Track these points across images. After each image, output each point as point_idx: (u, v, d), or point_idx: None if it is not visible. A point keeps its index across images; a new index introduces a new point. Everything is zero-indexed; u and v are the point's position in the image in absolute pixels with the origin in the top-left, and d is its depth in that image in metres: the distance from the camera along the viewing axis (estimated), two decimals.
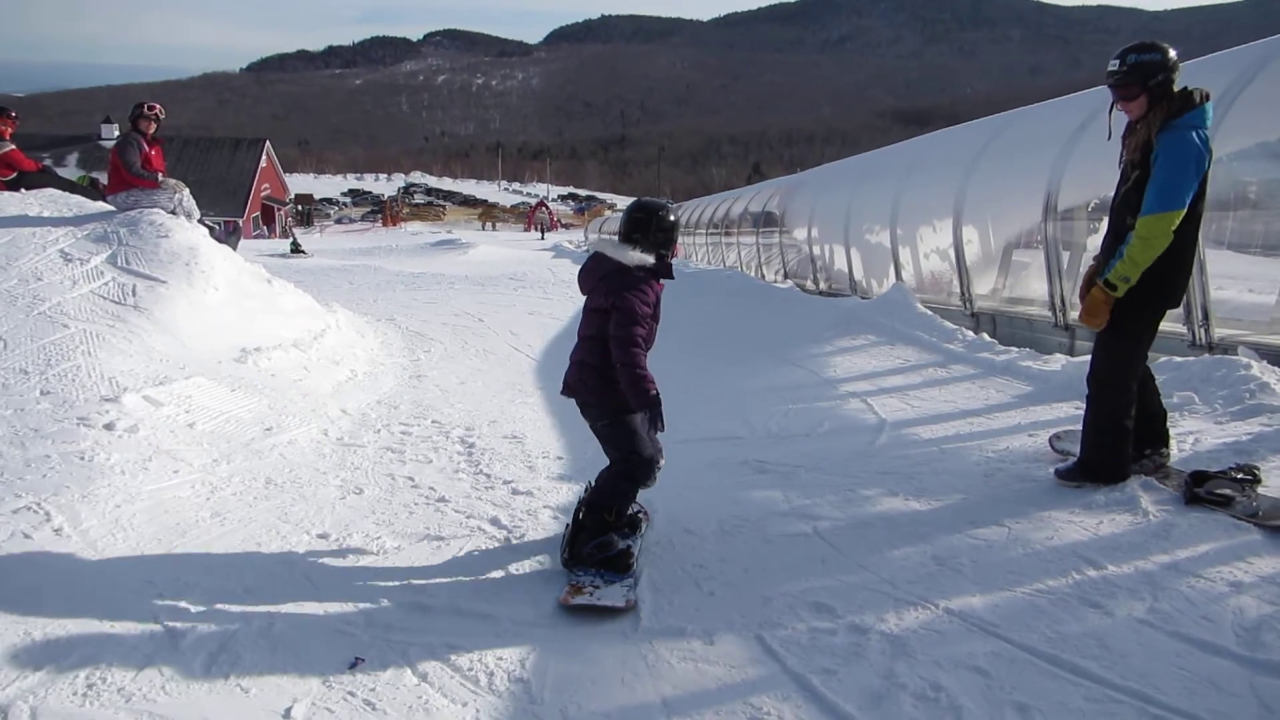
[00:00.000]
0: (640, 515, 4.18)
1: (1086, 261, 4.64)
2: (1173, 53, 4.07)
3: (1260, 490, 3.96)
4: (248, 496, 4.65)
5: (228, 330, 7.23)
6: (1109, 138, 4.33)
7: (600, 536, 3.78)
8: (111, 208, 8.80)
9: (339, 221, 79.04)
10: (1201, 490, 3.95)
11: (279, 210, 53.01)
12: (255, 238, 41.31)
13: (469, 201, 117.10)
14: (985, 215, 9.77)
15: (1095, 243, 4.54)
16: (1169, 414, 4.69)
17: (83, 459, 4.55)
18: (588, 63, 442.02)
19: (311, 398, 6.58)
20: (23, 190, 9.55)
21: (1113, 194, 4.30)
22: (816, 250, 15.37)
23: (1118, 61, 4.12)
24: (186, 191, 9.15)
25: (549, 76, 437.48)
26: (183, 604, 3.41)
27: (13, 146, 10.09)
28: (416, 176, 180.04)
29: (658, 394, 3.72)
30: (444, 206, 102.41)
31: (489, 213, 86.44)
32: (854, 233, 13.43)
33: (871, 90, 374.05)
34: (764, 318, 11.15)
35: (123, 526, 4.04)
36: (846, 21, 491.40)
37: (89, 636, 3.12)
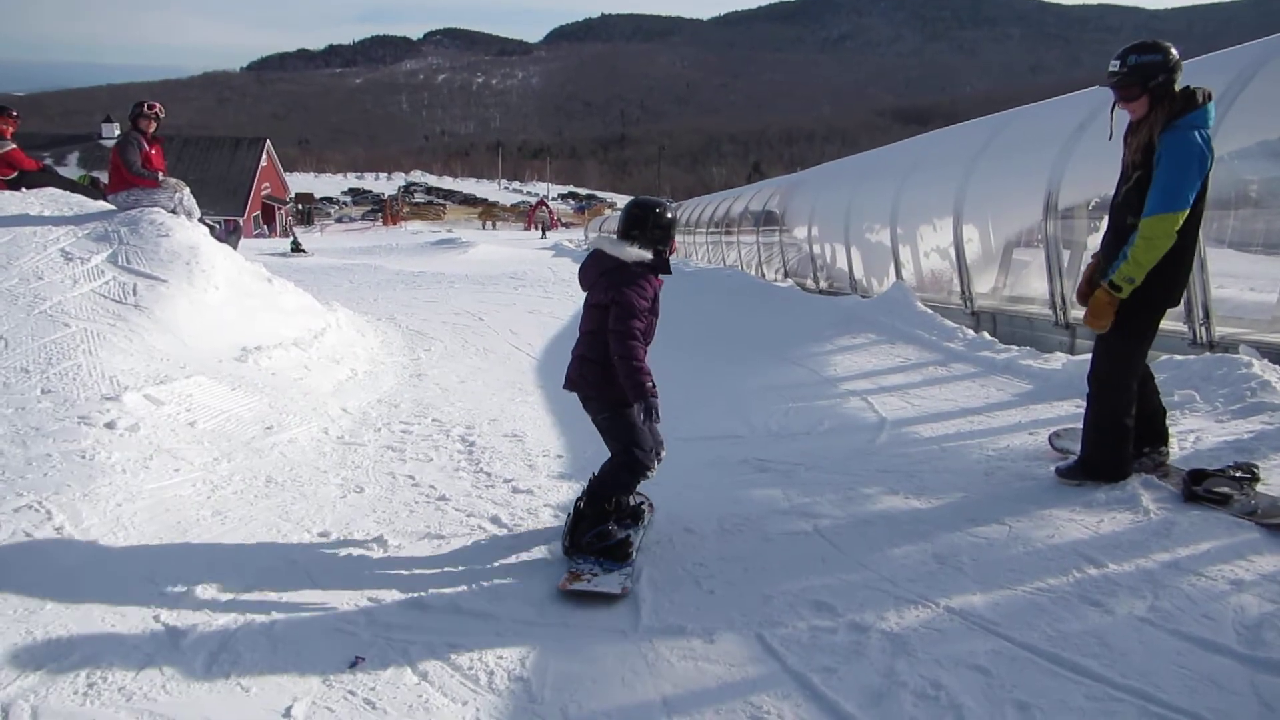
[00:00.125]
0: (644, 506, 4.26)
1: (1086, 260, 4.63)
2: (1174, 52, 4.05)
3: (1259, 488, 3.96)
4: (248, 495, 4.65)
5: (228, 329, 7.23)
6: (1110, 137, 4.33)
7: (599, 526, 3.89)
8: (112, 207, 8.80)
9: (339, 220, 78.97)
10: (1200, 489, 3.95)
11: (279, 209, 53.00)
12: (256, 237, 41.31)
13: (469, 200, 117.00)
14: (986, 214, 9.77)
15: (1096, 241, 4.53)
16: (1170, 412, 4.69)
17: (84, 457, 4.55)
18: (588, 62, 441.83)
19: (312, 396, 6.58)
20: (23, 189, 9.55)
21: (1113, 193, 4.30)
22: (817, 249, 15.37)
23: (1118, 62, 4.11)
24: (187, 190, 9.14)
25: (549, 75, 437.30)
26: (183, 603, 3.42)
27: (14, 146, 10.09)
28: (417, 175, 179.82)
29: (653, 386, 3.79)
30: (444, 205, 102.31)
31: (489, 212, 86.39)
32: (854, 231, 13.43)
33: (871, 89, 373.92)
34: (764, 316, 11.15)
35: (124, 525, 4.05)
36: (846, 20, 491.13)
37: (90, 635, 3.13)
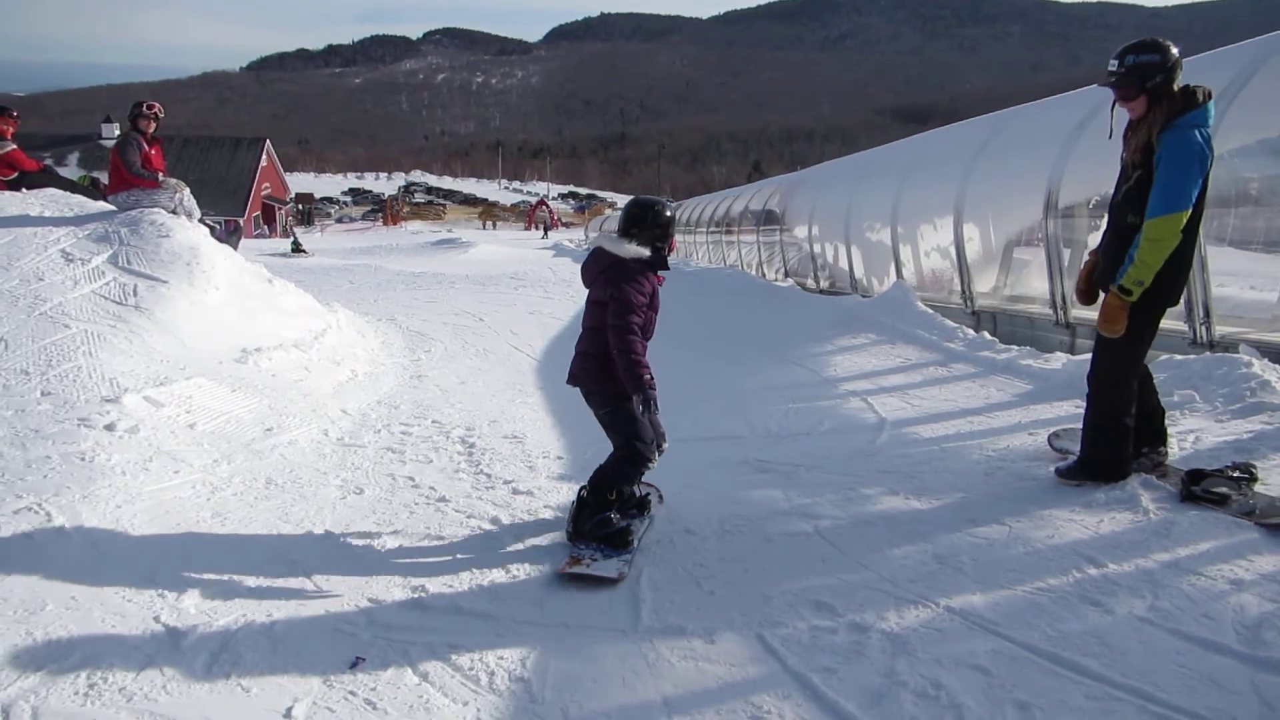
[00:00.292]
0: (650, 497, 4.41)
1: (1086, 258, 4.63)
2: (1174, 51, 4.05)
3: (1258, 488, 3.96)
4: (248, 497, 4.65)
5: (228, 330, 7.23)
6: (1110, 136, 4.32)
7: (601, 514, 4.02)
8: (112, 207, 8.80)
9: (339, 221, 78.97)
10: (1198, 489, 3.96)
11: (279, 209, 52.99)
12: (256, 237, 41.30)
13: (469, 200, 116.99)
14: (986, 213, 9.77)
15: (1096, 240, 4.53)
16: (1169, 412, 4.70)
17: (84, 460, 4.55)
18: (587, 61, 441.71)
19: (312, 398, 6.59)
20: (24, 190, 9.55)
21: (1113, 191, 4.30)
22: (817, 248, 15.36)
23: (1116, 62, 4.11)
24: (187, 191, 9.14)
25: (549, 75, 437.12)
26: (184, 604, 3.42)
27: (14, 146, 10.08)
28: (417, 175, 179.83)
29: (651, 379, 3.90)
30: (444, 205, 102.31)
31: (489, 211, 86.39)
32: (854, 231, 13.42)
33: (871, 87, 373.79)
34: (764, 316, 11.15)
35: (124, 527, 4.05)
36: (846, 19, 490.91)
37: (90, 636, 3.13)
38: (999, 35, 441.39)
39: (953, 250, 10.09)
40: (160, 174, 8.98)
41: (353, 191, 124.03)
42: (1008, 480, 4.65)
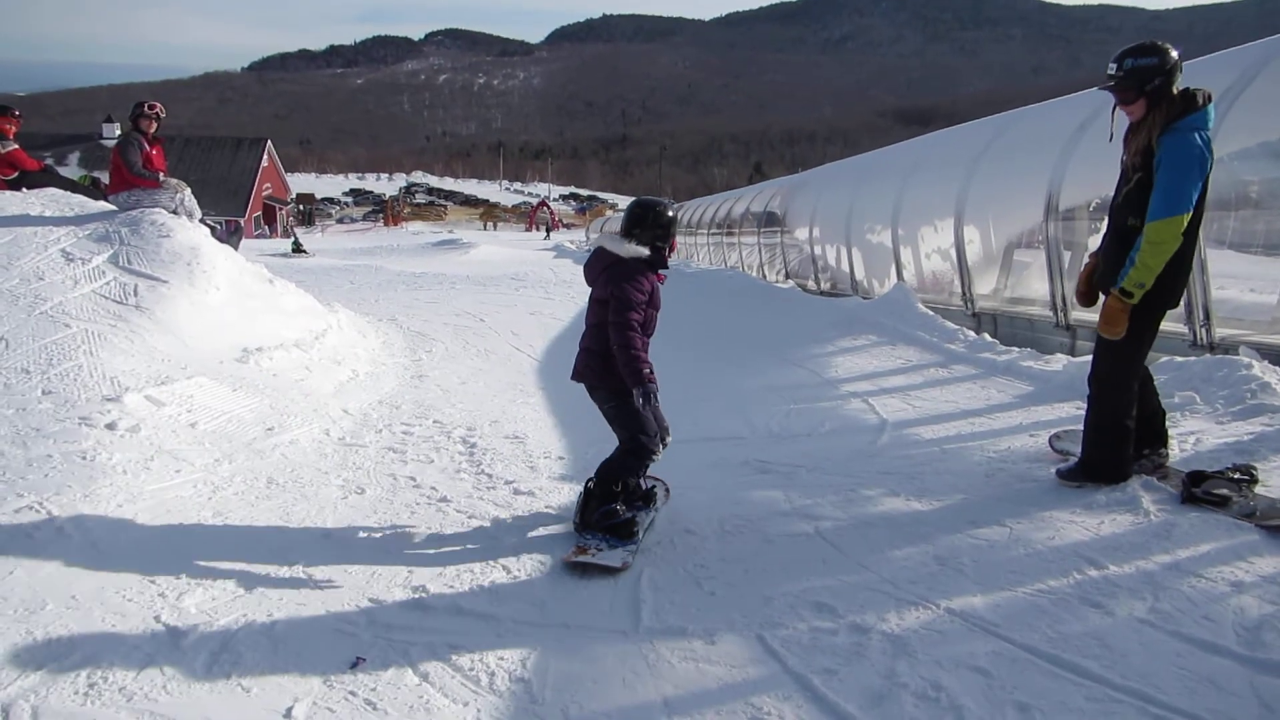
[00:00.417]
0: (656, 489, 4.49)
1: (1085, 261, 4.63)
2: (1173, 54, 4.05)
3: (1258, 490, 3.96)
4: (249, 496, 4.65)
5: (229, 330, 7.23)
6: (1110, 139, 4.33)
7: (607, 505, 4.15)
8: (113, 207, 8.80)
9: (340, 221, 78.99)
10: (1198, 490, 3.95)
11: (280, 210, 53.01)
12: (257, 237, 41.30)
13: (470, 201, 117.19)
14: (987, 215, 9.77)
15: (1096, 243, 4.53)
16: (1170, 414, 4.69)
17: (84, 459, 4.55)
18: (589, 62, 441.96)
19: (313, 398, 6.59)
20: (24, 189, 9.55)
21: (1113, 194, 4.30)
22: (818, 250, 15.37)
23: (1115, 65, 4.12)
24: (188, 191, 9.14)
25: (550, 76, 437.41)
26: (184, 603, 3.42)
27: (16, 146, 10.09)
28: (418, 176, 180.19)
29: (650, 373, 4.01)
30: (445, 206, 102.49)
31: (490, 213, 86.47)
32: (855, 232, 13.43)
33: (873, 90, 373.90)
34: (765, 318, 11.15)
35: (125, 526, 4.05)
36: (848, 21, 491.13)
37: (90, 636, 3.13)
38: (1000, 38, 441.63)
39: (953, 252, 10.09)
40: (161, 174, 8.97)
41: (354, 192, 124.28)
42: (1008, 482, 4.65)
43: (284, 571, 3.78)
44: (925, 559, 3.80)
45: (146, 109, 9.05)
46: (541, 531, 4.29)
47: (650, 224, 4.15)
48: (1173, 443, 4.58)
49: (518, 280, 16.15)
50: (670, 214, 4.24)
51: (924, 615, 3.32)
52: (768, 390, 7.50)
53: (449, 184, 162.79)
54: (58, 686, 2.82)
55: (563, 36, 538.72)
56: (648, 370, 4.00)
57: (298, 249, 27.57)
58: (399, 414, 6.64)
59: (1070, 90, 10.19)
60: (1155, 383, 4.56)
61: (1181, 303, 4.90)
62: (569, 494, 4.82)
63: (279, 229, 49.88)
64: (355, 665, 3.04)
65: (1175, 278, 4.11)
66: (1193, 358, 6.05)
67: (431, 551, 4.05)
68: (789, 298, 12.98)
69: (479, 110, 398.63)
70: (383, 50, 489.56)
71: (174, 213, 8.73)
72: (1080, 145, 7.98)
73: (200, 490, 4.61)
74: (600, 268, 4.19)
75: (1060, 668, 2.91)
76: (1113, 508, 4.06)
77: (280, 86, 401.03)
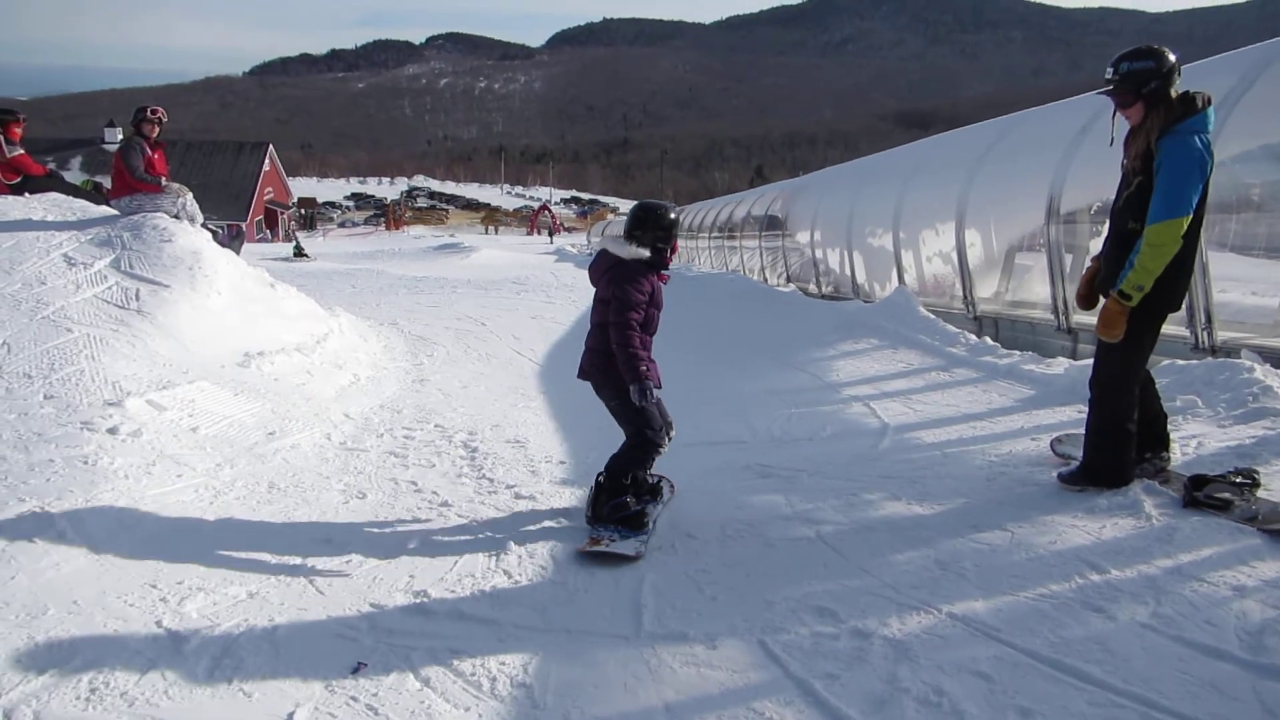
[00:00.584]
0: (663, 484, 4.63)
1: (1087, 264, 4.63)
2: (1170, 57, 4.06)
3: (1260, 494, 3.96)
4: (251, 501, 4.66)
5: (231, 334, 7.24)
6: (1111, 143, 4.33)
7: (617, 498, 4.29)
8: (115, 212, 8.81)
9: (342, 225, 78.97)
10: (1200, 494, 3.95)
11: (282, 214, 53.09)
12: (258, 241, 41.36)
13: (472, 205, 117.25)
14: (988, 218, 9.76)
15: (1097, 246, 4.54)
16: (1172, 417, 4.68)
17: (86, 463, 4.56)
18: (590, 66, 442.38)
19: (314, 402, 6.59)
20: (26, 194, 9.56)
21: (1114, 197, 4.30)
22: (819, 254, 15.36)
23: (1112, 69, 4.14)
24: (190, 195, 9.15)
25: (551, 80, 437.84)
26: (186, 608, 3.42)
27: (22, 151, 10.10)
28: (419, 180, 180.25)
29: (648, 370, 4.17)
30: (446, 210, 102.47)
31: (491, 216, 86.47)
32: (856, 236, 13.43)
33: (874, 93, 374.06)
34: (767, 321, 11.16)
35: (126, 530, 4.05)
36: (848, 24, 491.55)
37: (92, 640, 3.14)
38: (1001, 41, 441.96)
39: (955, 255, 10.09)
40: (163, 179, 8.99)
41: (355, 196, 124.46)
42: (1010, 485, 4.64)
43: (285, 576, 3.78)
44: (927, 563, 3.79)
45: (149, 114, 9.06)
46: (543, 536, 4.29)
47: (651, 226, 4.28)
48: (1174, 446, 4.58)
49: (519, 284, 16.15)
50: (671, 216, 4.37)
51: (926, 620, 3.31)
52: (769, 394, 7.50)
53: (450, 188, 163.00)
54: (60, 691, 2.82)
55: (563, 40, 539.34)
56: (645, 368, 4.15)
57: (299, 253, 27.63)
58: (400, 418, 6.64)
59: (1071, 93, 10.20)
60: (1157, 386, 4.55)
61: (1183, 306, 4.90)
62: (570, 498, 4.82)
63: (280, 233, 49.94)
64: (357, 670, 3.04)
65: (1176, 281, 4.10)
66: (1194, 361, 6.04)
67: (433, 556, 4.04)
68: (790, 301, 12.98)
69: (480, 114, 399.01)
70: (384, 54, 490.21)
71: (176, 217, 8.73)
72: (1081, 148, 7.97)
73: (202, 495, 4.62)
74: (603, 269, 4.34)
75: (1062, 672, 2.91)
76: (1114, 512, 4.06)
77: (281, 91, 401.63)
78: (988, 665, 2.98)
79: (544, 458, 5.70)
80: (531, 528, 4.40)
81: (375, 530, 4.33)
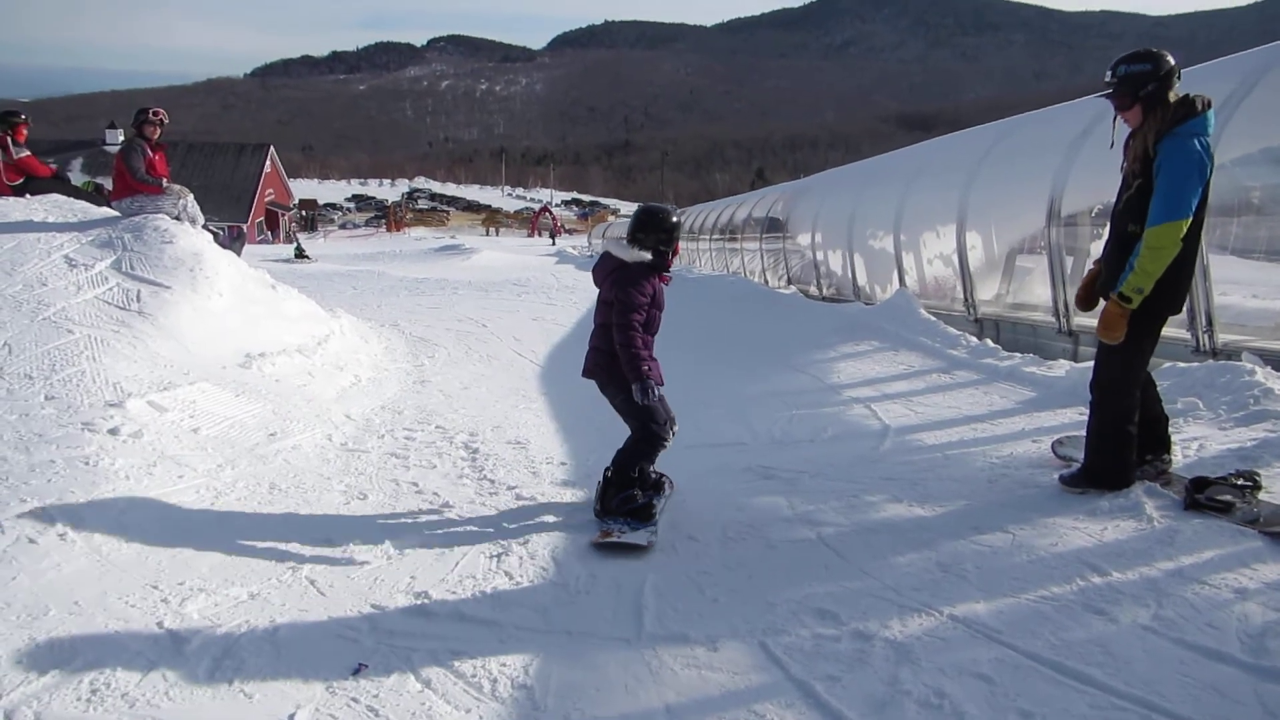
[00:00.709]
0: (664, 480, 4.69)
1: (1088, 267, 4.63)
2: (1168, 60, 4.07)
3: (1262, 496, 3.95)
4: (252, 502, 4.66)
5: (232, 336, 7.24)
6: (1111, 146, 4.34)
7: (625, 491, 4.41)
8: (116, 213, 8.82)
9: (343, 227, 79.04)
10: (1201, 496, 3.94)
11: (283, 215, 53.13)
12: (259, 243, 41.39)
13: (472, 207, 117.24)
14: (989, 220, 9.76)
15: (1098, 249, 4.54)
16: (1173, 420, 4.68)
17: (87, 464, 4.56)
18: (591, 68, 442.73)
19: (315, 403, 6.59)
20: (28, 195, 9.57)
21: (1115, 200, 4.30)
22: (820, 256, 15.36)
23: (1110, 72, 4.17)
24: (191, 197, 9.16)
25: (553, 82, 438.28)
26: (187, 609, 3.42)
27: (28, 152, 10.13)
28: (420, 182, 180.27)
29: (649, 369, 4.29)
30: (447, 212, 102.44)
31: (492, 218, 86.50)
32: (858, 238, 13.43)
33: (875, 95, 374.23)
34: (768, 323, 11.16)
35: (127, 531, 4.05)
36: (850, 27, 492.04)
37: (93, 641, 3.14)
38: (1002, 44, 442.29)
39: (955, 258, 10.09)
40: (164, 180, 9.00)
41: (356, 198, 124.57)
42: (1011, 488, 4.64)
43: (286, 577, 3.78)
44: (928, 565, 3.79)
45: (150, 115, 9.06)
46: (545, 537, 4.29)
47: (654, 229, 4.39)
48: (1175, 449, 4.58)
49: (520, 286, 16.15)
50: (673, 220, 4.47)
51: (927, 622, 3.31)
52: (770, 396, 7.51)
53: (451, 190, 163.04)
54: (60, 692, 2.83)
55: (565, 42, 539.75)
56: (647, 367, 4.27)
57: (300, 254, 27.63)
58: (401, 419, 6.64)
59: (1072, 96, 10.21)
60: (1158, 388, 4.55)
61: (1184, 308, 4.89)
62: (572, 499, 4.82)
63: (281, 235, 49.97)
64: (357, 671, 3.03)
65: (1177, 283, 4.11)
66: (1195, 363, 6.04)
67: (434, 557, 4.04)
68: (791, 303, 12.99)
69: (481, 116, 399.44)
70: (385, 56, 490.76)
71: (177, 219, 8.74)
72: (1082, 151, 7.98)
73: (202, 496, 4.62)
74: (607, 271, 4.47)
75: (1064, 675, 2.91)
76: (1116, 514, 4.06)
77: (283, 92, 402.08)
78: (989, 667, 2.97)
79: (545, 459, 5.70)
80: (533, 529, 4.39)
81: (376, 531, 4.32)
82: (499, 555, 4.06)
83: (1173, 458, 4.49)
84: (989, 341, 8.50)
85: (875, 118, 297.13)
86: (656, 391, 4.31)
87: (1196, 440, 4.91)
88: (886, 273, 12.23)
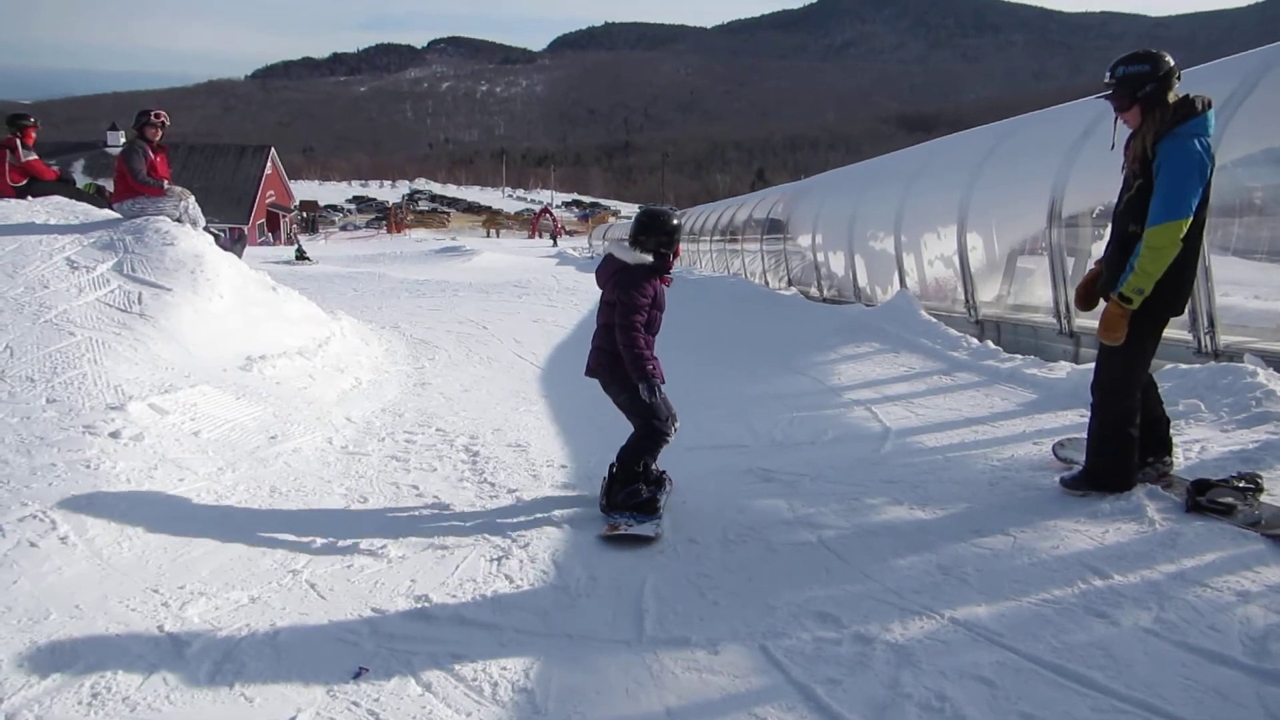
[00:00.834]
0: (665, 475, 4.77)
1: (1090, 267, 4.63)
2: (1165, 61, 4.07)
3: (1264, 499, 3.94)
4: (253, 505, 4.66)
5: (233, 338, 7.24)
6: (1112, 147, 4.34)
7: (631, 485, 4.51)
8: (118, 215, 8.82)
9: (344, 228, 79.14)
10: (1203, 499, 3.93)
11: (284, 217, 53.17)
12: (260, 245, 41.43)
13: (473, 208, 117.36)
14: (990, 221, 9.76)
15: (1099, 249, 4.54)
16: (1174, 422, 4.67)
17: (88, 467, 4.56)
18: (592, 69, 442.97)
19: (316, 406, 6.59)
20: (30, 197, 9.58)
21: (1116, 201, 4.30)
22: (821, 257, 15.36)
23: (1109, 74, 4.18)
24: (192, 199, 9.16)
25: (553, 83, 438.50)
26: (187, 612, 3.42)
27: (35, 156, 10.15)
28: (421, 183, 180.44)
29: (653, 369, 4.41)
30: (448, 213, 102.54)
31: (493, 219, 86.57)
32: (858, 239, 13.42)
33: (875, 96, 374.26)
34: (768, 324, 11.16)
35: (128, 535, 4.05)
36: (850, 27, 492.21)
37: (94, 645, 3.13)
38: (1002, 44, 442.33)
39: (956, 259, 10.09)
40: (165, 182, 9.00)
41: (357, 199, 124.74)
42: (1012, 490, 4.64)
43: (287, 581, 3.78)
44: (929, 568, 3.78)
45: (151, 117, 9.06)
46: (545, 540, 4.28)
47: (655, 232, 4.51)
48: (1177, 451, 4.57)
49: (520, 287, 16.16)
50: (674, 223, 4.58)
51: (928, 625, 3.31)
52: (771, 398, 7.50)
53: (452, 191, 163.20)
54: (61, 696, 2.82)
55: (565, 44, 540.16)
56: (651, 366, 4.40)
57: (301, 256, 27.70)
58: (402, 422, 6.64)
59: (1072, 97, 10.20)
60: (1159, 390, 4.54)
61: (1186, 310, 4.89)
62: (572, 502, 4.82)
63: (282, 236, 50.00)
64: (358, 675, 3.03)
65: (1179, 285, 4.10)
66: (1197, 365, 6.03)
67: (434, 561, 4.04)
68: (792, 305, 12.98)
69: (482, 117, 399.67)
70: (386, 58, 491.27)
71: (178, 220, 8.75)
72: (1083, 152, 7.97)
73: (204, 499, 4.62)
74: (609, 273, 4.58)
75: (1065, 678, 2.90)
76: (1117, 516, 4.05)
77: (284, 94, 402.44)
78: (990, 671, 2.97)
79: (545, 461, 5.70)
80: (533, 532, 4.38)
81: (377, 535, 4.31)
82: (499, 558, 4.06)
83: (1174, 460, 4.48)
84: (990, 343, 8.49)
85: (876, 118, 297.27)
86: (662, 390, 4.45)
87: (1198, 442, 4.90)
88: (887, 274, 12.23)
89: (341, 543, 4.19)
